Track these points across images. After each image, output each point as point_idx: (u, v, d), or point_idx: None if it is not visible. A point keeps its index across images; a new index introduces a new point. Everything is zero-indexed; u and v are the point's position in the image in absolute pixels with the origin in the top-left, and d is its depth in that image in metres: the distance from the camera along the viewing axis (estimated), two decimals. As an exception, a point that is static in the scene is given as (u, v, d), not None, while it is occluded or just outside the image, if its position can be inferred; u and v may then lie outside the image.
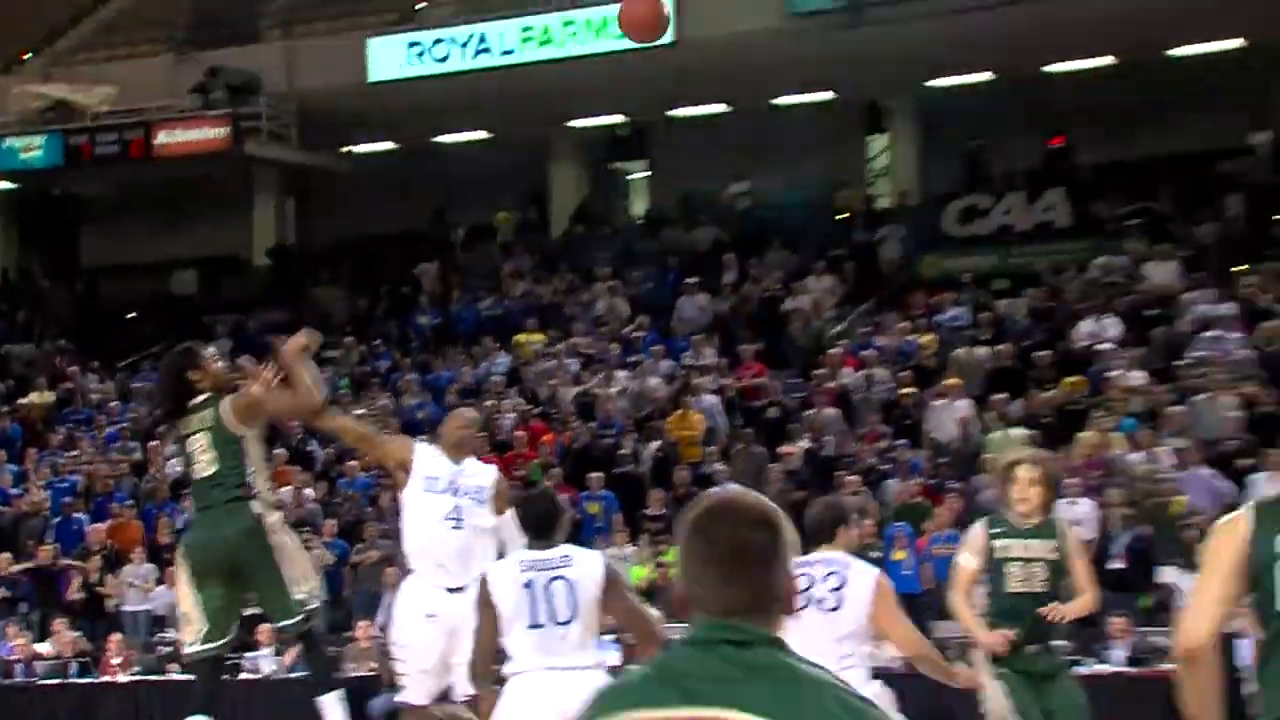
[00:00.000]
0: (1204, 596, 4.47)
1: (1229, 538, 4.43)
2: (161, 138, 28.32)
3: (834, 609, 7.46)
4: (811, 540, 7.77)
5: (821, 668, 2.97)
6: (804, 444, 19.96)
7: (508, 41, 26.42)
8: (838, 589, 7.53)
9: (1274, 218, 23.15)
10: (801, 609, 7.46)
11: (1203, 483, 17.38)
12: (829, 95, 27.15)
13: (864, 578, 7.61)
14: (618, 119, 29.29)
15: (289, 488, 20.57)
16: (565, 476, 19.95)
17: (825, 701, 2.87)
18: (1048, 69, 25.53)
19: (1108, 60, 25.31)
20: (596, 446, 20.90)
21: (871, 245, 25.75)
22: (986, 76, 26.05)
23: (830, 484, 17.83)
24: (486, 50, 26.61)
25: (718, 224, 27.43)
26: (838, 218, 26.93)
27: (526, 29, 26.31)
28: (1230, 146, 24.87)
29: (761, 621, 2.99)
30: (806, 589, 7.39)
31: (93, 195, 32.21)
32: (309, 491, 21.06)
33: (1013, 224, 25.54)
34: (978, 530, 8.59)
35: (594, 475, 19.69)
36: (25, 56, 30.57)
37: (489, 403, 22.50)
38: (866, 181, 28.29)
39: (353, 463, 21.14)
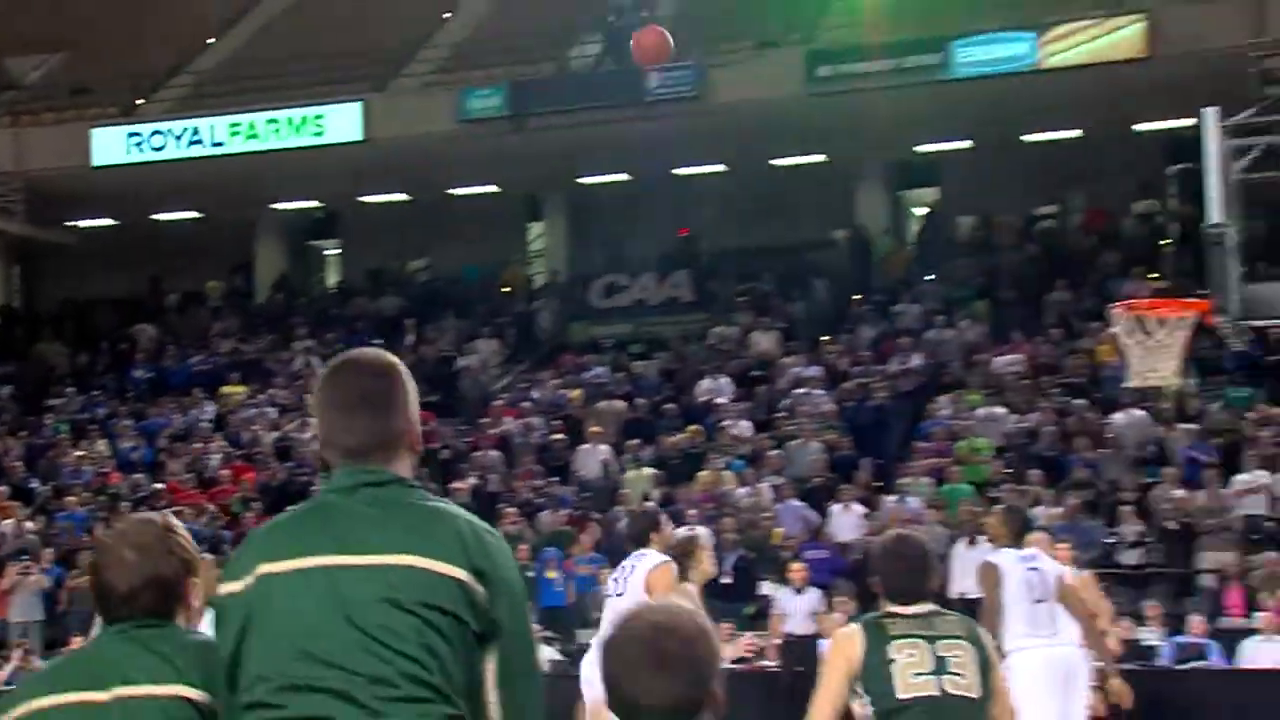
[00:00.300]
0: (827, 692, 4.95)
1: (848, 647, 4.95)
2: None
3: (620, 594, 7.69)
4: (634, 543, 8.02)
5: (448, 503, 2.92)
6: (472, 481, 20.04)
7: (218, 135, 25.90)
8: (627, 577, 7.77)
9: (852, 298, 24.22)
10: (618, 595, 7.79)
11: (794, 512, 18.06)
12: (495, 189, 27.35)
13: (645, 564, 7.78)
14: (314, 203, 28.99)
15: (10, 521, 19.76)
16: (265, 509, 19.60)
17: (459, 527, 2.82)
18: (676, 171, 26.16)
19: (722, 167, 26.06)
20: (294, 483, 20.61)
21: (529, 315, 26.03)
22: (624, 177, 26.59)
23: (494, 516, 17.93)
24: (199, 142, 26.02)
25: (400, 294, 27.37)
26: (502, 291, 27.13)
27: (235, 124, 25.87)
28: (818, 240, 25.89)
29: (386, 461, 2.91)
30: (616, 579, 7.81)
31: None
32: (29, 524, 20.21)
33: (646, 299, 26.07)
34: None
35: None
36: None
37: (197, 445, 22.00)
38: (526, 261, 28.55)
39: (71, 498, 20.38)
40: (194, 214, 28.26)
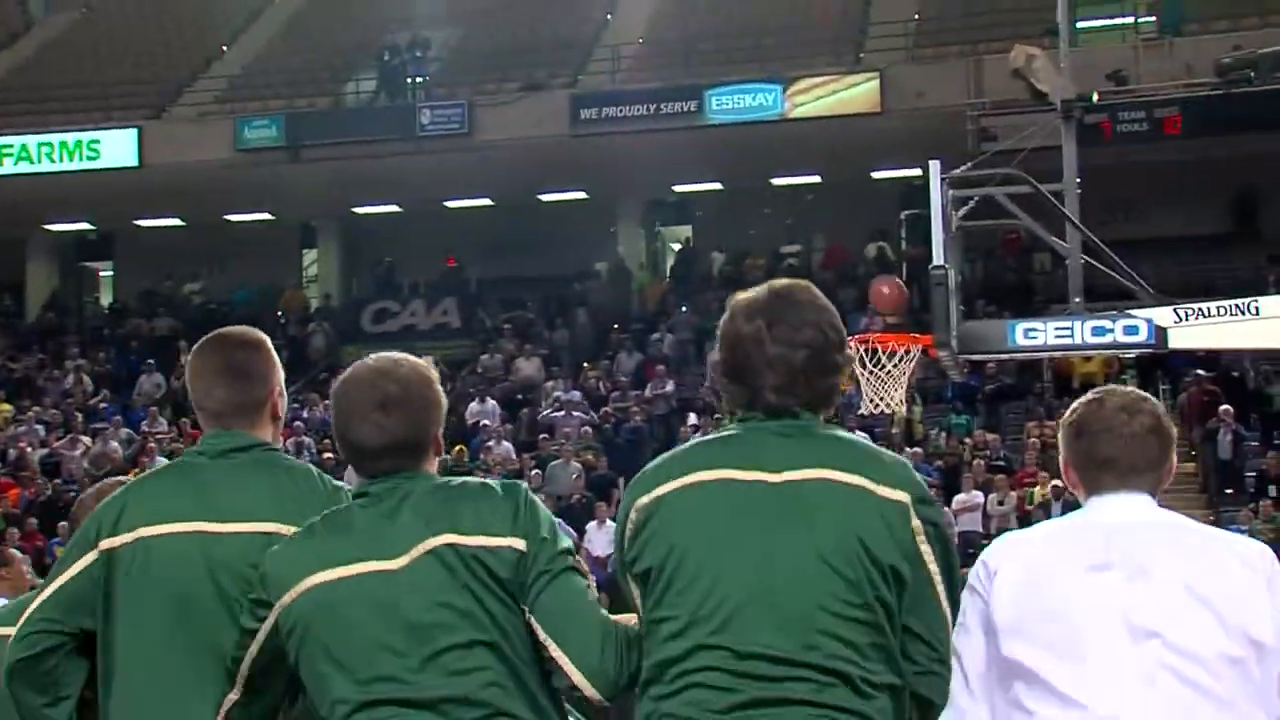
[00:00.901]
0: None
1: None
2: None
3: None
4: None
5: (299, 463, 2.99)
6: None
7: (-8, 154, 24.81)
8: None
9: (612, 327, 24.44)
10: None
11: (555, 528, 18.04)
12: (270, 216, 26.82)
13: None
14: (88, 226, 27.94)
15: None
16: (39, 526, 18.76)
17: (312, 483, 2.87)
18: (446, 204, 26.06)
19: (489, 201, 26.05)
20: (61, 499, 19.76)
21: (304, 338, 25.55)
22: (395, 208, 26.37)
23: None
24: (-32, 162, 24.89)
25: (174, 316, 26.55)
26: (278, 314, 26.58)
27: (6, 145, 24.80)
28: (580, 272, 26.11)
29: (249, 426, 2.97)
30: None
31: None
32: None
33: (416, 324, 25.89)
34: None
35: (61, 524, 18.56)
36: None
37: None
38: (302, 286, 28.05)
39: None
40: (-38, 232, 26.99)
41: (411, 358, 2.81)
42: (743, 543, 2.55)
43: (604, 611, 2.67)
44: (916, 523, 2.58)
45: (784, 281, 2.77)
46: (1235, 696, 2.54)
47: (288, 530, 2.76)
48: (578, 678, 2.59)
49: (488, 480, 2.79)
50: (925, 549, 2.58)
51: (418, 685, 2.58)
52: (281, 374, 3.06)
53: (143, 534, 2.82)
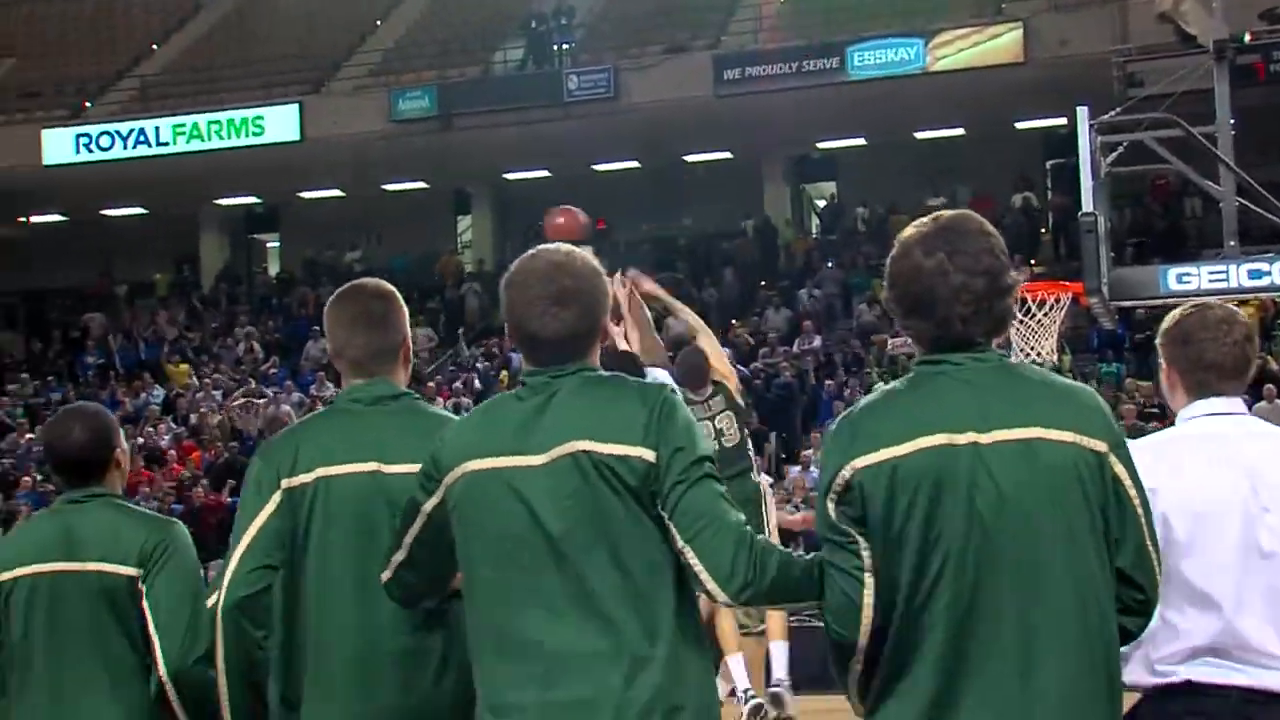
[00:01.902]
0: None
1: None
2: None
3: None
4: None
5: (440, 410, 3.17)
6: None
7: (163, 135, 25.55)
8: None
9: (759, 283, 24.32)
10: None
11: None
12: (424, 184, 27.19)
13: None
14: (255, 199, 28.65)
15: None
16: (212, 485, 19.40)
17: (442, 426, 2.93)
18: (595, 167, 26.15)
19: (635, 163, 26.02)
20: (238, 461, 20.37)
21: (460, 300, 25.90)
22: (544, 173, 26.54)
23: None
24: (145, 142, 25.67)
25: (337, 284, 27.01)
26: (434, 278, 26.98)
27: (179, 125, 25.52)
28: (727, 230, 26.00)
29: (388, 372, 3.17)
30: None
31: None
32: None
33: (567, 285, 25.99)
34: None
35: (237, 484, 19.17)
36: None
37: (149, 428, 21.68)
38: (457, 251, 28.42)
39: (26, 479, 19.95)
40: (140, 210, 27.87)
41: (577, 250, 2.85)
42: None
43: (740, 517, 2.67)
44: (1119, 469, 2.60)
45: (949, 213, 2.73)
46: None
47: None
48: (709, 583, 2.62)
49: (632, 381, 2.79)
50: (1128, 493, 2.60)
51: (543, 583, 2.64)
52: (409, 324, 3.26)
53: (322, 473, 3.03)
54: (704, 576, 2.61)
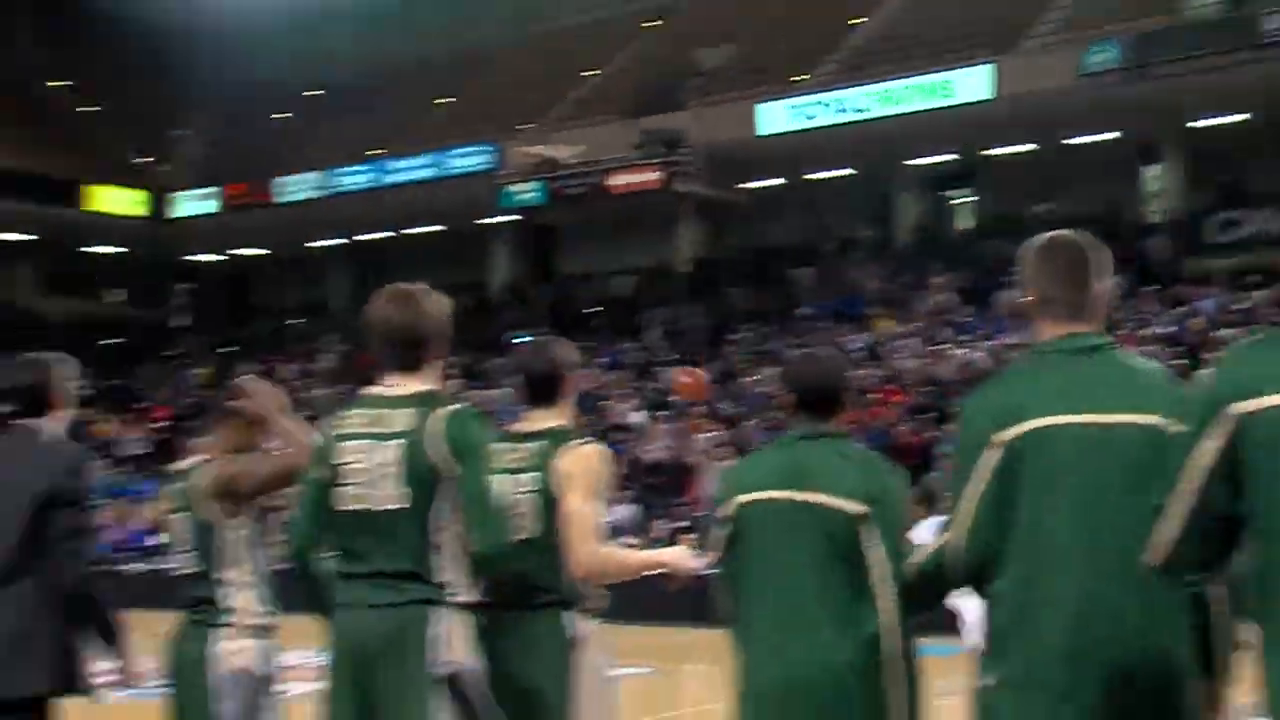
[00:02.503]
0: None
1: None
2: (614, 180, 29.73)
3: None
4: None
5: (1148, 361, 3.22)
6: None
7: (862, 103, 27.38)
8: None
9: None
10: None
11: None
12: (1113, 136, 27.10)
13: None
14: (949, 157, 29.73)
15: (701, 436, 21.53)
16: (914, 428, 20.63)
17: (1171, 378, 3.11)
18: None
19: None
20: (934, 405, 21.59)
21: (1145, 250, 25.65)
22: (1243, 117, 25.56)
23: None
24: (844, 110, 27.63)
25: (1024, 237, 27.18)
26: (1120, 230, 26.70)
27: (878, 92, 27.26)
28: None
29: (1086, 324, 3.17)
30: None
31: (566, 223, 33.46)
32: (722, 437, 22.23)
33: (1269, 229, 25.00)
34: None
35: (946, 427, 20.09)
36: (519, 128, 32.19)
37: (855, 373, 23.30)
38: (1142, 202, 28.02)
39: (754, 420, 22.00)
40: (846, 171, 29.82)
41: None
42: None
43: None
44: None
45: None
46: None
47: (1166, 423, 2.84)
48: None
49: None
50: None
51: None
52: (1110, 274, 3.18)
53: (1036, 424, 2.95)
54: None
